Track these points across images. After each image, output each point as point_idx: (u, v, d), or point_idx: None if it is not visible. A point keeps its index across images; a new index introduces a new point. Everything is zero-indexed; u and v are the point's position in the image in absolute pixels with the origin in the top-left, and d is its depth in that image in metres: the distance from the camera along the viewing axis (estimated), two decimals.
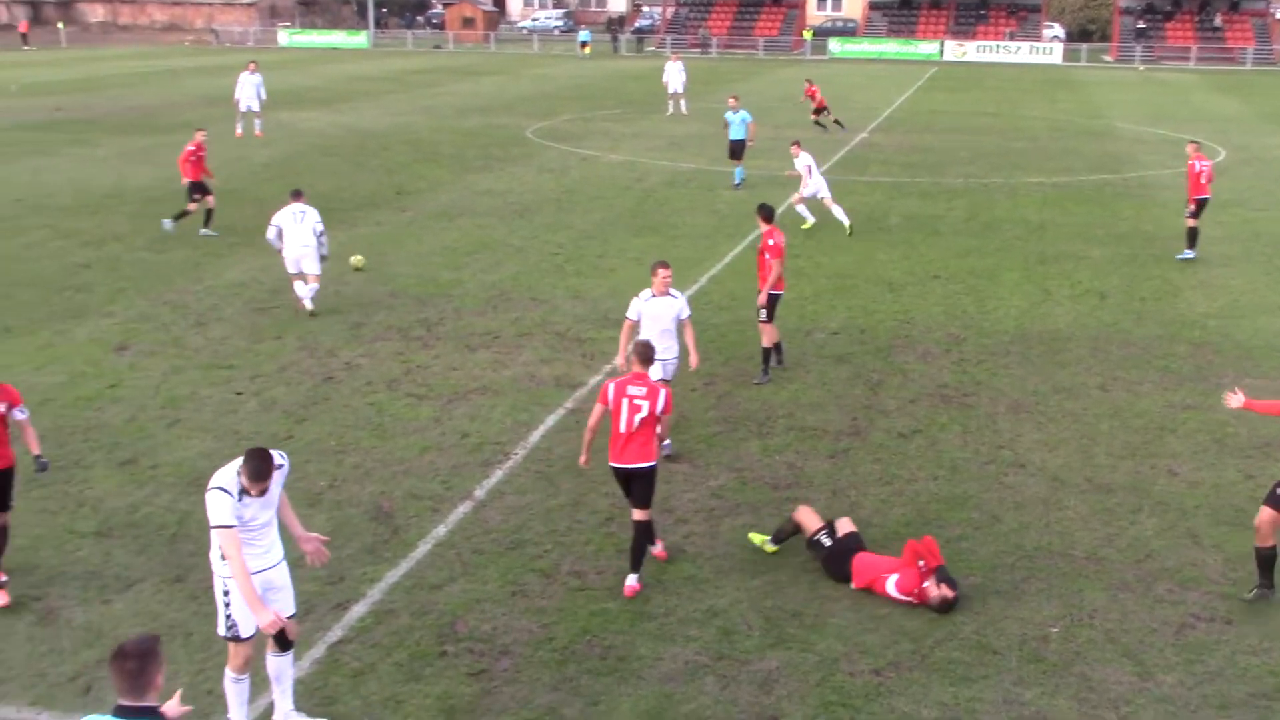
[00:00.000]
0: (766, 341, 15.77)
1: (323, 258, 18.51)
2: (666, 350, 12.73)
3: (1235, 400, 10.40)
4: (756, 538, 11.18)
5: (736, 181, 30.30)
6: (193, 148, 24.01)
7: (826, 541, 10.62)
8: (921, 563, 10.06)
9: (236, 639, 7.98)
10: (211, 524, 7.75)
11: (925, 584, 9.96)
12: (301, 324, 18.21)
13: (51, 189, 29.74)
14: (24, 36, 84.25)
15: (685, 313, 12.92)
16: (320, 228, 18.31)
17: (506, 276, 21.34)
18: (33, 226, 25.19)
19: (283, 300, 19.59)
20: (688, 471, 12.87)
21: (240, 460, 7.79)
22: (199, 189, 24.28)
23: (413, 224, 25.95)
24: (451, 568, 10.65)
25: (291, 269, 18.57)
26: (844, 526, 10.74)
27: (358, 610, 9.95)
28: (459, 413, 14.54)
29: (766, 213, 15.70)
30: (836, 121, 41.52)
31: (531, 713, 8.56)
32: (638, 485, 10.26)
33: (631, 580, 10.25)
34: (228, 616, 7.91)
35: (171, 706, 6.21)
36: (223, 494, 7.75)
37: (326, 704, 8.62)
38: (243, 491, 7.77)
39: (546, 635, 9.59)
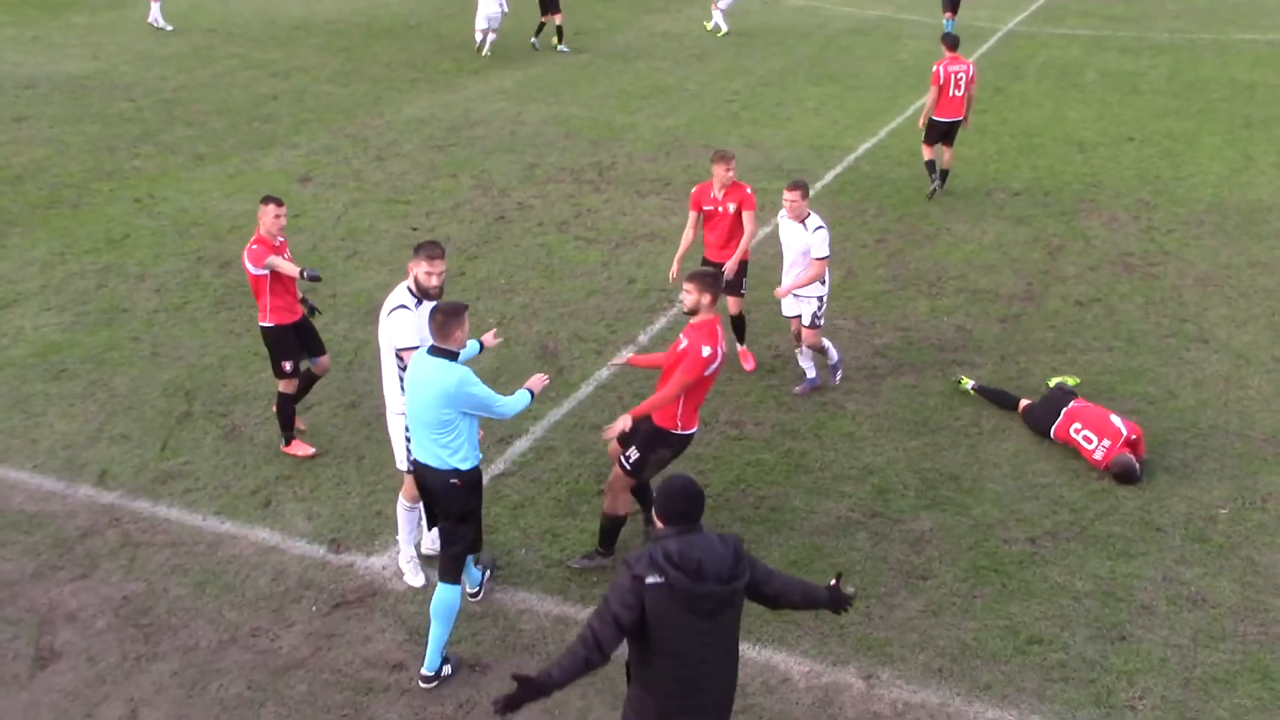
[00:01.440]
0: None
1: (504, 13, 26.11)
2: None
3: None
4: (966, 380, 11.38)
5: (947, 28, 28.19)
6: None
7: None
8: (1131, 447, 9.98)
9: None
10: (398, 346, 7.94)
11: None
12: (477, 162, 18.43)
13: (243, 19, 30.46)
14: None
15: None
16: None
17: (680, 123, 21.11)
18: (224, 56, 25.92)
19: (460, 137, 19.83)
20: (853, 329, 12.72)
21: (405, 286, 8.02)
22: (548, 4, 27.12)
23: (589, 65, 25.80)
24: (612, 409, 10.82)
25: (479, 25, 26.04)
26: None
27: (520, 445, 10.25)
28: (626, 258, 14.61)
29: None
30: None
31: None
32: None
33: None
34: (409, 451, 8.02)
35: (488, 338, 8.38)
36: (405, 311, 7.88)
37: (487, 533, 8.94)
38: (419, 298, 7.94)
39: (701, 482, 9.70)
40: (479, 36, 26.86)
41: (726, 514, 9.21)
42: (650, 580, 5.06)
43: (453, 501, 7.30)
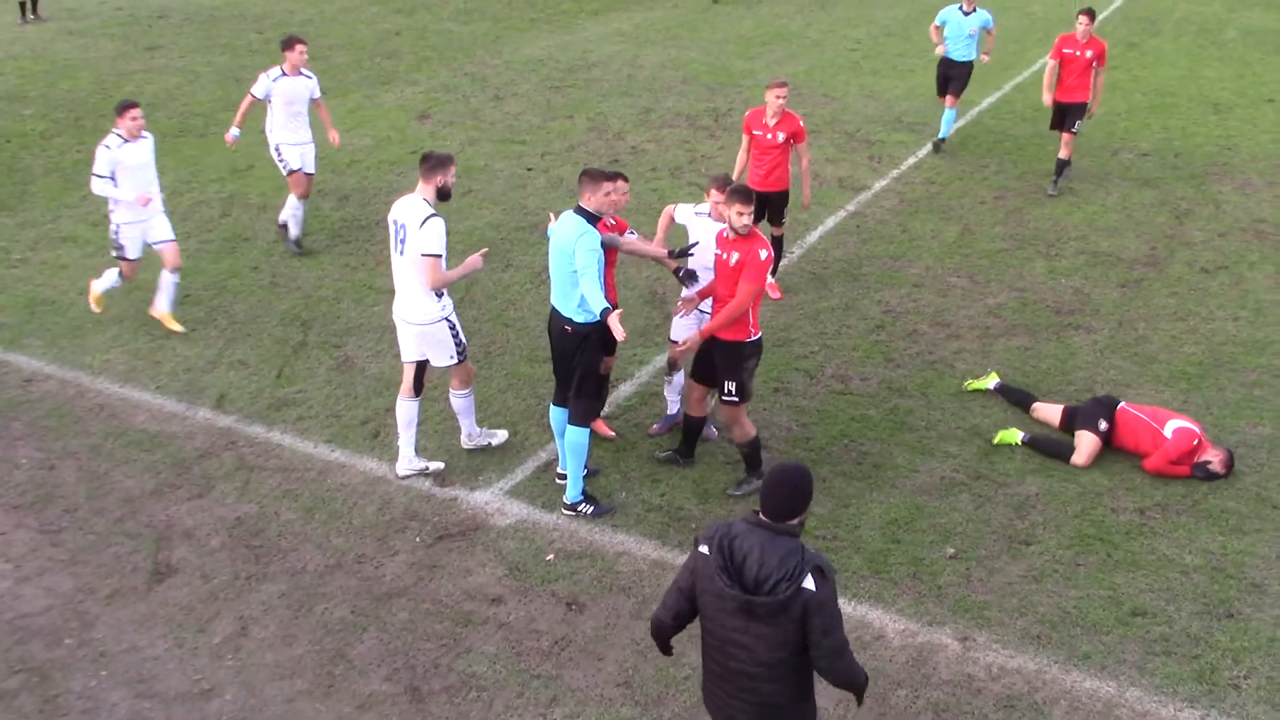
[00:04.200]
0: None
1: None
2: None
3: None
4: (1009, 435, 9.69)
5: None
6: None
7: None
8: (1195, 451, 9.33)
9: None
10: (433, 253, 8.28)
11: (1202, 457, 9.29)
12: (593, 104, 18.41)
13: None
14: None
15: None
16: None
17: (800, 70, 20.82)
18: None
19: (577, 79, 19.82)
20: (966, 286, 12.49)
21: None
22: None
23: (709, 10, 25.53)
24: None
25: None
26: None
27: (625, 390, 10.30)
28: None
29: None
30: None
31: None
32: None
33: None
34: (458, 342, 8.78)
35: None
36: (436, 219, 8.29)
37: (589, 475, 9.06)
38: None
39: (804, 434, 9.68)
40: None
41: (829, 468, 9.16)
42: (701, 549, 5.02)
43: (568, 348, 8.33)
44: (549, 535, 8.37)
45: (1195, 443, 9.23)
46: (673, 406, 9.69)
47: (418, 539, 8.31)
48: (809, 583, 4.82)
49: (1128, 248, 13.65)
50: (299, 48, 12.51)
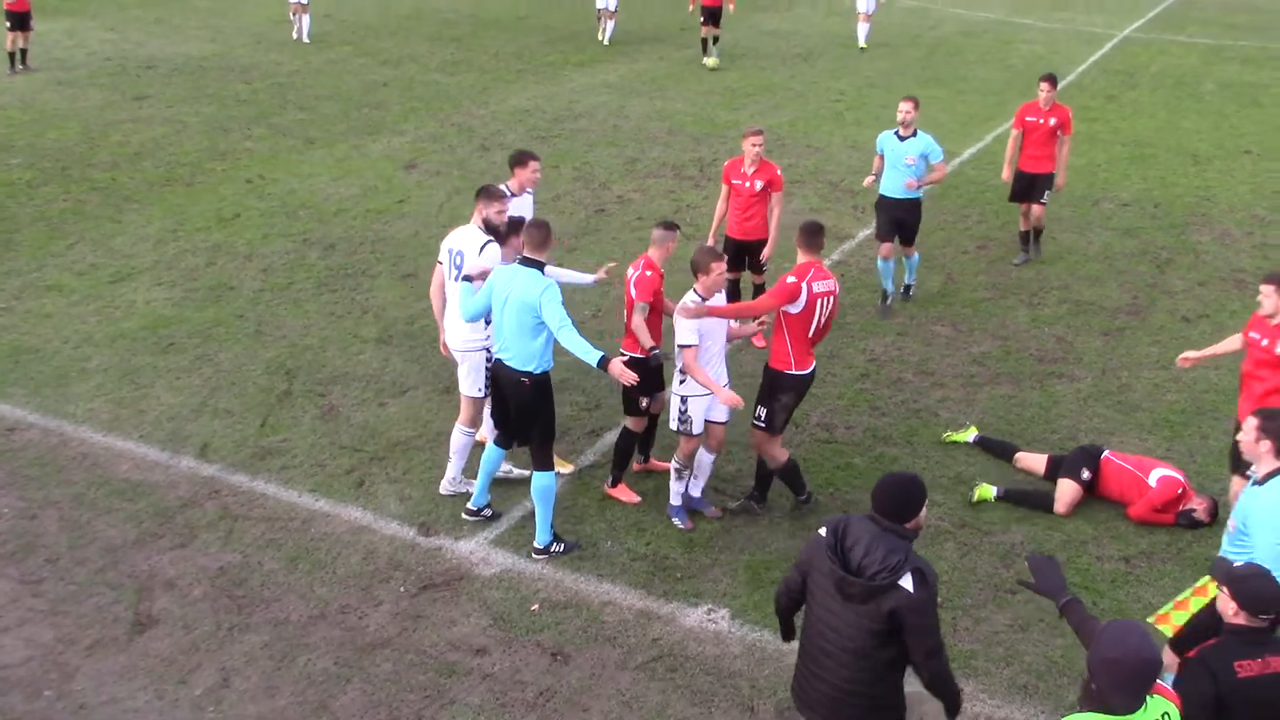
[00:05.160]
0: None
1: None
2: None
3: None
4: (984, 491, 9.58)
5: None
6: None
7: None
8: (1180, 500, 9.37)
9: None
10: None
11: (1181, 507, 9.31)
12: (579, 154, 18.55)
13: (356, 7, 31.01)
14: None
15: None
16: None
17: (784, 121, 21.02)
18: (337, 43, 26.42)
19: (563, 129, 19.97)
20: (950, 335, 12.57)
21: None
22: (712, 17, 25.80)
23: (694, 62, 25.79)
24: None
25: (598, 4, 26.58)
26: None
27: (610, 438, 10.29)
28: None
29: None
30: None
31: (767, 555, 8.72)
32: None
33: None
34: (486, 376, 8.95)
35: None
36: (495, 244, 8.82)
37: (574, 523, 9.03)
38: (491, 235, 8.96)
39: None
40: (599, 21, 27.12)
41: (814, 517, 9.15)
42: (820, 531, 5.39)
43: (524, 400, 8.41)
44: (534, 585, 8.34)
45: (1180, 491, 9.26)
46: (695, 488, 9.18)
47: (402, 589, 8.27)
48: (906, 582, 5.10)
49: (1110, 296, 13.76)
50: (532, 165, 10.28)
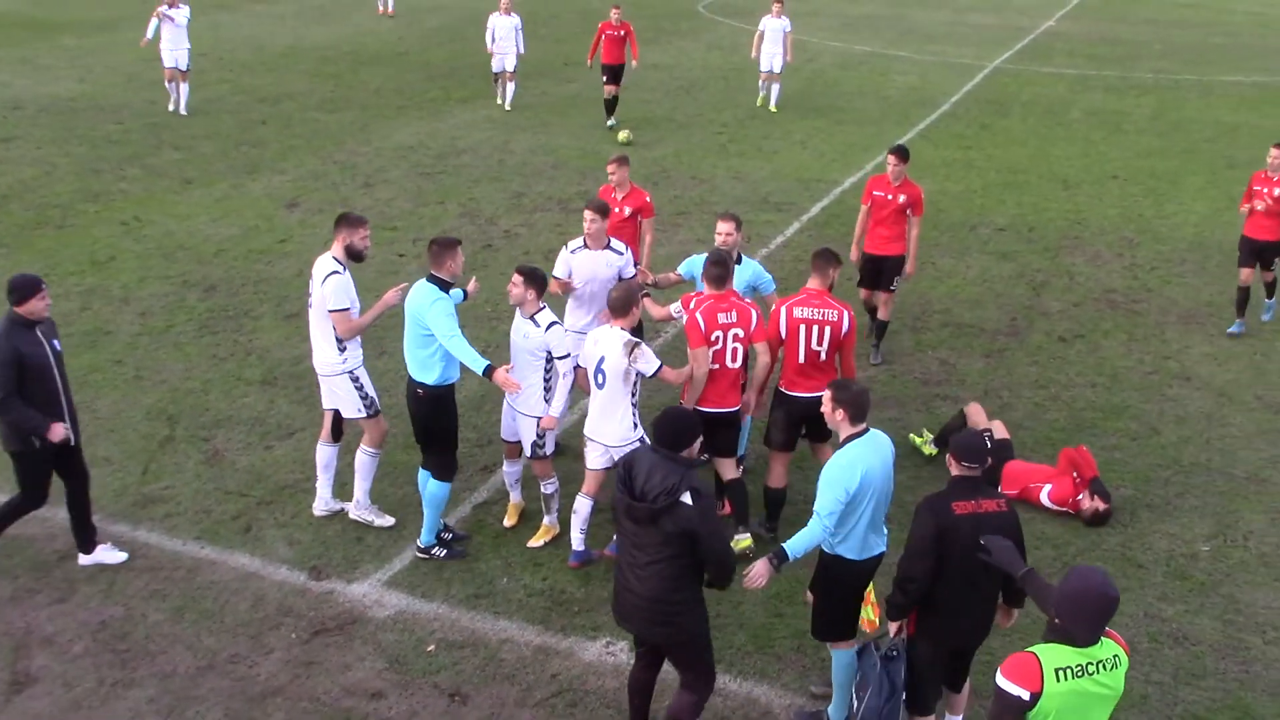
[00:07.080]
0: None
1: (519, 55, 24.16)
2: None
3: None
4: (917, 439, 10.96)
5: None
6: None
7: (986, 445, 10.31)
8: (1076, 474, 9.83)
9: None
10: (337, 307, 8.75)
11: (1080, 495, 9.74)
12: (464, 190, 18.46)
13: (232, 44, 30.52)
14: None
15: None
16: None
17: (668, 153, 21.20)
18: (214, 81, 25.95)
19: (448, 165, 19.87)
20: None
21: None
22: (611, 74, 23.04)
23: (578, 97, 25.89)
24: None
25: (495, 67, 24.20)
26: (998, 432, 10.50)
27: (498, 477, 10.20)
28: None
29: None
30: None
31: None
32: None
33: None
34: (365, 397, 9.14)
35: (470, 287, 9.39)
36: (338, 275, 8.83)
37: (471, 560, 8.93)
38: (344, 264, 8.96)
39: None
40: (496, 84, 25.05)
41: None
42: (618, 468, 6.69)
43: (420, 410, 8.70)
44: (430, 625, 8.21)
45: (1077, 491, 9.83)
46: (579, 543, 8.93)
47: (293, 635, 8.07)
48: (686, 498, 6.15)
49: (989, 319, 14.11)
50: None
